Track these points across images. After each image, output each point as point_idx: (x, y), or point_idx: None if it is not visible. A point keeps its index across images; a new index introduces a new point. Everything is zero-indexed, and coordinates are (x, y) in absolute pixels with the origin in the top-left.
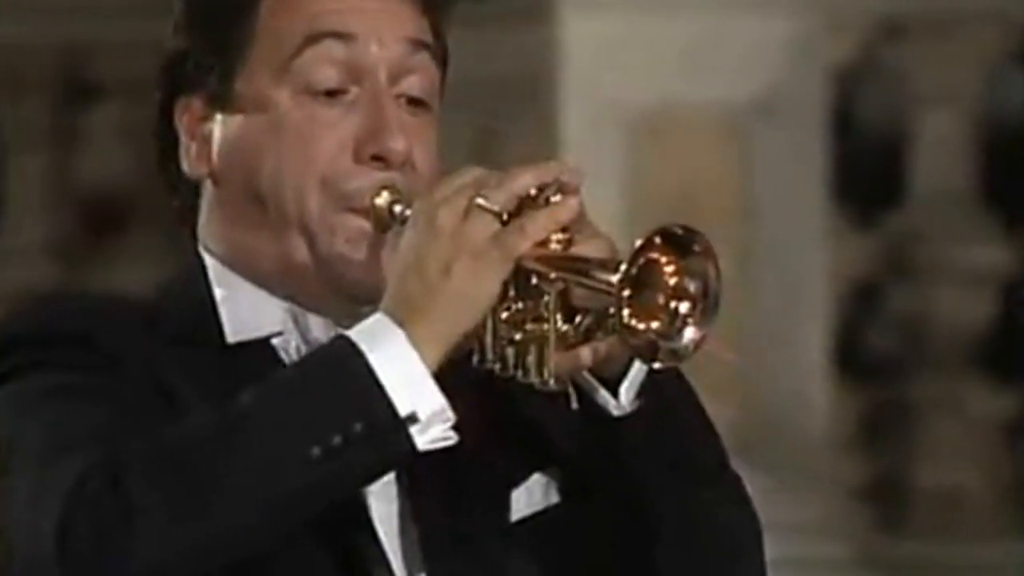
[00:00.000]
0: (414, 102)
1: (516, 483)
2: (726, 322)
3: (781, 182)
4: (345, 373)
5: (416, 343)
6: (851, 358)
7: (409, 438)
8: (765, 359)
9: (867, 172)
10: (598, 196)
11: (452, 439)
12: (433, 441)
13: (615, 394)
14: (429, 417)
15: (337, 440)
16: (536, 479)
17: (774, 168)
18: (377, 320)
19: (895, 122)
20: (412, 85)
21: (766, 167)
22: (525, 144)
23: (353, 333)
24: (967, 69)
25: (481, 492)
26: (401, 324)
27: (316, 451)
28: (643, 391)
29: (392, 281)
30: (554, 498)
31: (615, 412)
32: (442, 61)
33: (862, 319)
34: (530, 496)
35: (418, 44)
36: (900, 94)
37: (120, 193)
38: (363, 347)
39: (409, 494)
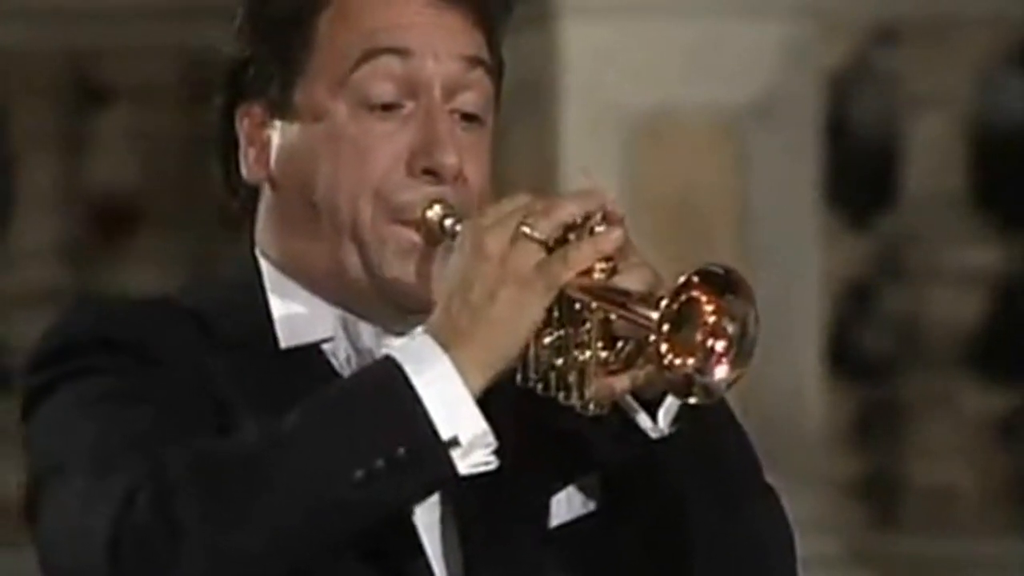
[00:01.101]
0: (468, 117)
1: (556, 490)
2: None
3: (776, 184)
4: (390, 396)
5: (460, 367)
6: (845, 357)
7: (451, 463)
8: (759, 358)
9: (861, 174)
10: None
11: (493, 464)
12: (474, 466)
13: (654, 416)
14: (471, 442)
15: (380, 464)
16: (575, 486)
17: (769, 170)
18: (423, 342)
19: (888, 125)
20: (466, 101)
21: (762, 169)
22: (526, 146)
23: (399, 354)
24: (960, 73)
25: (522, 498)
26: (446, 348)
27: (359, 474)
28: (681, 415)
29: (439, 303)
30: (592, 505)
31: (653, 434)
32: (497, 75)
33: (856, 319)
34: (569, 503)
35: (473, 61)
36: (893, 98)
37: (129, 196)
38: (408, 370)
39: (451, 501)
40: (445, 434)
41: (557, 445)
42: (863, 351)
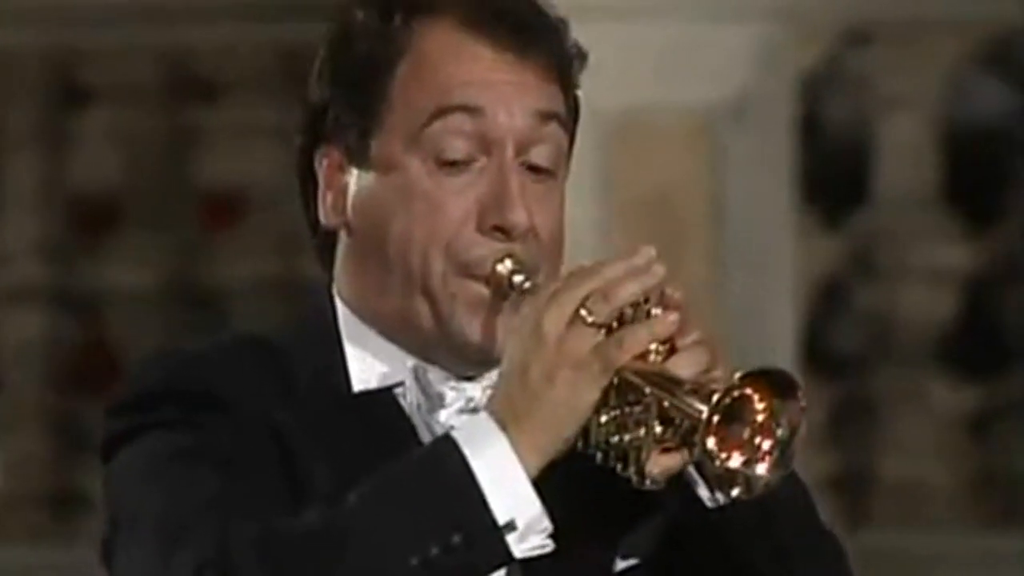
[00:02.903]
0: (539, 170)
1: (618, 539)
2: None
3: (750, 184)
4: (448, 478)
5: (518, 449)
6: (818, 354)
7: (506, 548)
8: (735, 355)
9: (833, 174)
10: (574, 198)
11: (549, 547)
12: (530, 549)
13: (712, 488)
14: (527, 525)
15: (436, 551)
16: (636, 537)
17: (744, 171)
18: (483, 422)
19: (860, 126)
20: (539, 154)
21: (736, 170)
22: None
23: (458, 435)
24: (929, 75)
25: (586, 549)
26: (504, 428)
27: (415, 561)
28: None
29: (500, 382)
30: (652, 557)
31: (710, 504)
32: (572, 123)
33: (829, 316)
34: (631, 553)
35: (546, 115)
36: (865, 99)
37: (110, 194)
38: (466, 451)
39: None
40: (501, 518)
41: (618, 496)
42: (836, 348)
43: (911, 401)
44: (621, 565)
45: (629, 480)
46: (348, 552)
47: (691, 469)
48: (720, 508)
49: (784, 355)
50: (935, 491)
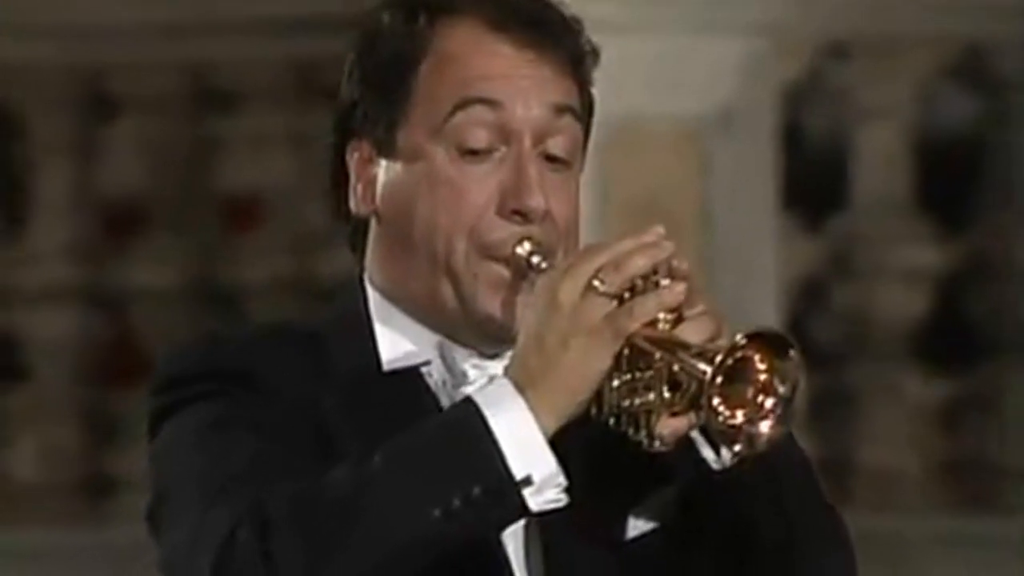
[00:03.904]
0: (556, 159)
1: (630, 505)
2: None
3: (736, 189)
4: (468, 437)
5: (534, 410)
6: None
7: (523, 501)
8: None
9: (813, 180)
10: None
11: (563, 501)
12: (546, 503)
13: (718, 449)
14: (543, 481)
15: (457, 503)
16: (648, 502)
17: (729, 175)
18: (501, 386)
19: (839, 135)
20: (555, 145)
21: (722, 175)
22: None
23: (479, 397)
24: (904, 87)
25: (599, 510)
26: (522, 391)
27: (437, 512)
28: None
29: (518, 348)
30: (664, 522)
31: (716, 466)
32: (587, 116)
33: (809, 313)
34: (643, 518)
35: (562, 108)
36: (843, 109)
37: (136, 199)
38: (486, 412)
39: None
40: (519, 473)
41: (631, 464)
42: (816, 343)
43: (886, 393)
44: (633, 531)
45: (640, 444)
46: (374, 505)
47: (697, 433)
48: (725, 470)
49: None
50: (908, 477)
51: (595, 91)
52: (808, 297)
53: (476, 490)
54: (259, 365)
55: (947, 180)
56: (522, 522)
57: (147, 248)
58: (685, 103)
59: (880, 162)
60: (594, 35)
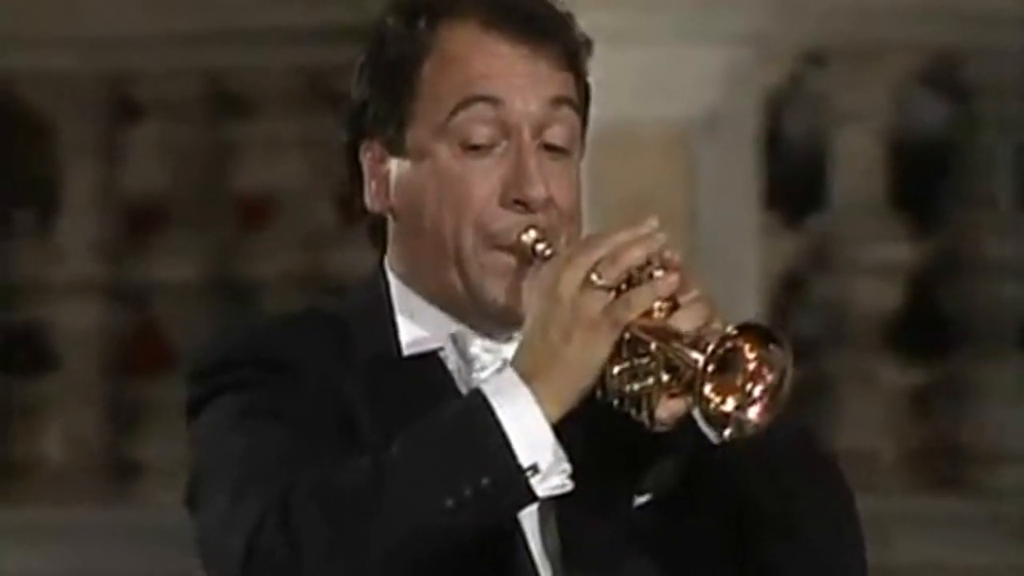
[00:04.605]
0: (555, 149)
1: (636, 476)
2: None
3: (721, 189)
4: (478, 429)
5: (539, 400)
6: (788, 340)
7: (530, 488)
8: None
9: (794, 181)
10: None
11: (568, 487)
12: (552, 489)
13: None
14: (548, 468)
15: (468, 493)
16: (653, 474)
17: (715, 178)
18: (508, 377)
19: (818, 138)
20: (554, 135)
21: (708, 177)
22: None
23: (487, 387)
24: (879, 93)
25: (607, 482)
26: (528, 382)
27: (450, 502)
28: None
29: (523, 339)
30: (667, 492)
31: (715, 441)
32: (584, 106)
33: (789, 306)
34: (648, 486)
35: (560, 100)
36: (822, 114)
37: (157, 199)
38: (494, 403)
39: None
40: (525, 462)
41: (633, 437)
42: (796, 334)
43: (862, 380)
44: (639, 501)
45: (642, 424)
46: (391, 496)
47: (696, 411)
48: (724, 444)
49: None
50: (883, 460)
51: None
52: (789, 291)
53: (486, 480)
54: (291, 353)
55: (920, 181)
56: (537, 515)
57: (168, 245)
58: (673, 108)
59: (856, 164)
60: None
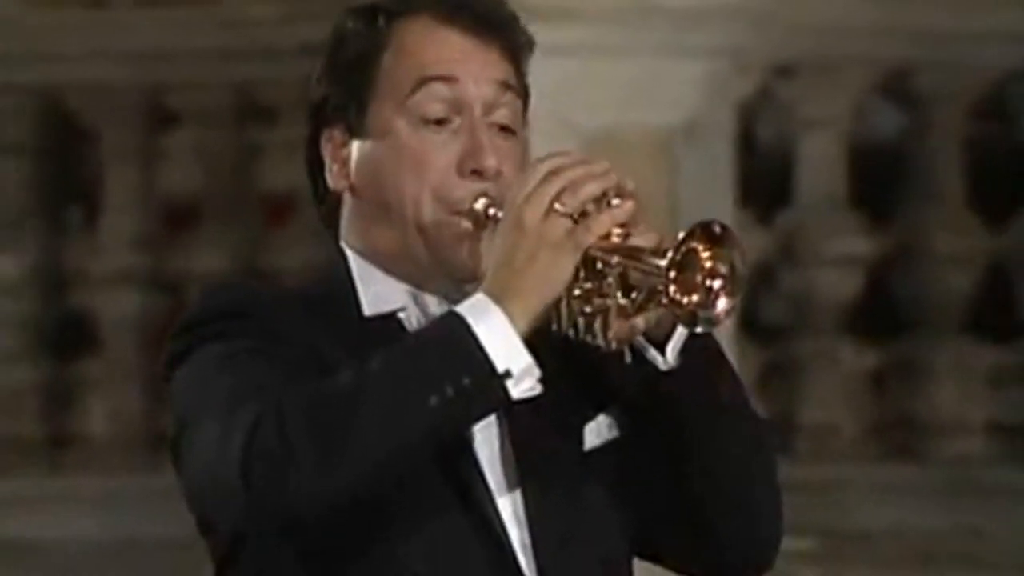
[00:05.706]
0: (503, 128)
1: (587, 419)
2: None
3: (699, 189)
4: (456, 339)
5: (510, 315)
6: (751, 325)
7: (505, 389)
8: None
9: (765, 181)
10: None
11: (539, 390)
12: (524, 391)
13: (663, 352)
14: (521, 373)
15: (450, 391)
16: (601, 418)
17: (694, 179)
18: (480, 299)
19: (786, 143)
20: (502, 116)
21: (688, 178)
22: None
23: (461, 308)
24: (841, 102)
25: (561, 424)
26: (498, 302)
27: (434, 400)
28: (685, 351)
29: (490, 269)
30: (615, 433)
31: (662, 367)
32: (524, 96)
33: (760, 295)
34: (598, 431)
35: (505, 85)
36: (789, 122)
37: (191, 198)
38: (469, 320)
39: (505, 424)
40: (500, 367)
41: (587, 385)
42: (765, 320)
43: (825, 361)
44: (590, 443)
45: (598, 348)
46: (379, 395)
47: (644, 340)
48: (669, 373)
49: (726, 326)
50: (843, 433)
51: (578, 105)
52: (760, 281)
53: (466, 380)
54: (269, 310)
55: (876, 181)
56: (496, 436)
57: (200, 239)
58: (657, 116)
59: (820, 166)
60: (577, 57)
